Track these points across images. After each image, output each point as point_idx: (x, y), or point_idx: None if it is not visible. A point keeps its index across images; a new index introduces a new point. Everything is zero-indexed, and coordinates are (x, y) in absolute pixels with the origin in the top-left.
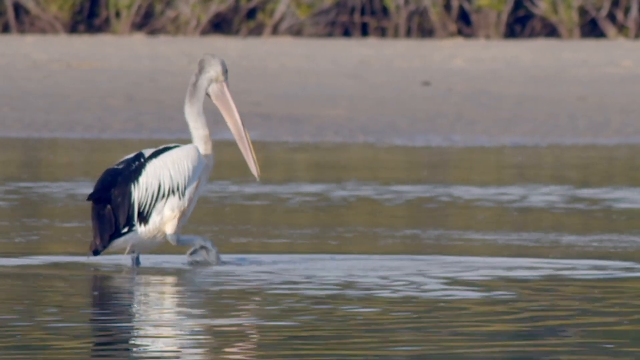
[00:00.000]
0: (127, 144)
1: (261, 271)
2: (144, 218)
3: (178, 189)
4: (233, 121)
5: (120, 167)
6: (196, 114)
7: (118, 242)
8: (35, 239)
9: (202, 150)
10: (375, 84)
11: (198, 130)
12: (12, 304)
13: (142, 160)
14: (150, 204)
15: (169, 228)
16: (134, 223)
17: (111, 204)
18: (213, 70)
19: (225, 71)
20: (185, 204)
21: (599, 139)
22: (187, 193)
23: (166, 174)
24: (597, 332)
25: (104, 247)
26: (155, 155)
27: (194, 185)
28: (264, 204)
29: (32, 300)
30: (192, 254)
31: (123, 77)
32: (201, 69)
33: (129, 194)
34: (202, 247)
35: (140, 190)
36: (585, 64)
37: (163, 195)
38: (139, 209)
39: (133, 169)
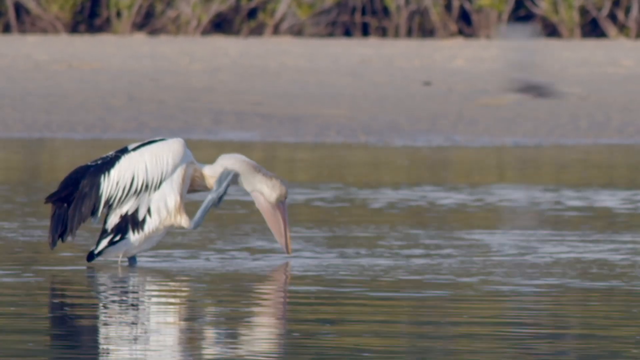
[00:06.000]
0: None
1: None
2: (136, 225)
3: (152, 183)
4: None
5: (99, 161)
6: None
7: (110, 250)
8: (36, 239)
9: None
10: (376, 84)
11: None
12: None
13: (121, 152)
14: (120, 198)
15: (184, 222)
16: (127, 230)
17: (78, 194)
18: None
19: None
20: (178, 199)
21: (601, 138)
22: (171, 186)
23: (141, 167)
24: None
25: (53, 246)
26: (136, 148)
27: (176, 179)
28: None
29: (31, 302)
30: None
31: (124, 77)
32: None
33: (98, 185)
34: (219, 198)
35: (111, 182)
36: (586, 63)
37: (136, 190)
38: (107, 201)
39: (108, 160)
